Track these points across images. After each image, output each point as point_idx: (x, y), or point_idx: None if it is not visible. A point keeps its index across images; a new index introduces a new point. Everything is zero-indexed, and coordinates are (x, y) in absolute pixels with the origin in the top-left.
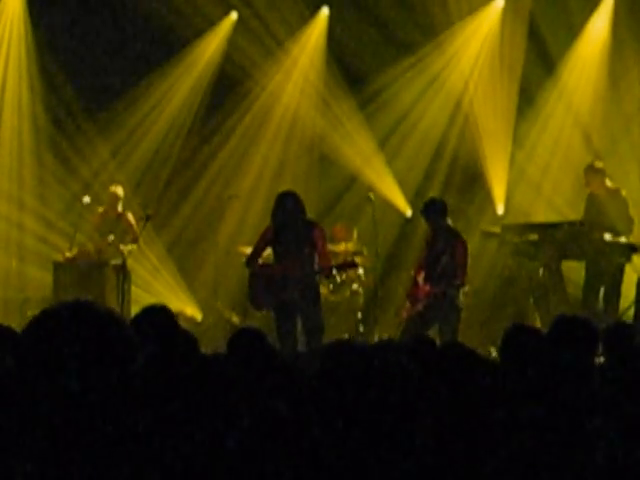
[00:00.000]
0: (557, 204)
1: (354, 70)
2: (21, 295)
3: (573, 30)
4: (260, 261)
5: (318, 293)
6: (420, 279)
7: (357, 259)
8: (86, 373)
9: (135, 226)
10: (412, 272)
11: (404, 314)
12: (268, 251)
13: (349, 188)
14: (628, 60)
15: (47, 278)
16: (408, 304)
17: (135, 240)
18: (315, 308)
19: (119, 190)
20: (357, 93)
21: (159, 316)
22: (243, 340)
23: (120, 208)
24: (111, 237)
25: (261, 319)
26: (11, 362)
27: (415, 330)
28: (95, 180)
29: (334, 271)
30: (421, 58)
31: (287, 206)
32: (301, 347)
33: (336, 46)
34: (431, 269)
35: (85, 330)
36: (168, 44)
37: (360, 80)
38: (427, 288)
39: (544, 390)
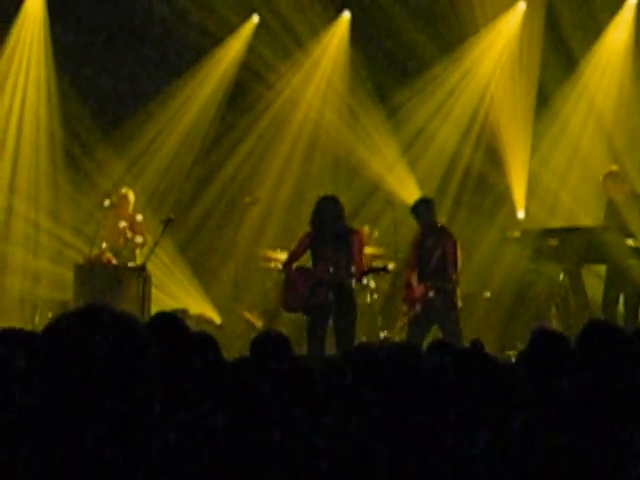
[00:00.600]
0: (576, 209)
1: (374, 83)
2: (44, 296)
3: (594, 34)
4: (295, 265)
5: (353, 297)
6: (413, 280)
7: (389, 264)
8: (101, 375)
9: (145, 227)
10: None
11: (404, 318)
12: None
13: (372, 193)
14: None
15: (69, 280)
16: (405, 307)
17: (146, 242)
18: (349, 312)
19: (130, 193)
20: (378, 106)
21: (167, 323)
22: (266, 344)
23: (131, 210)
24: (121, 240)
25: (285, 323)
26: (22, 363)
27: (418, 332)
28: (114, 190)
29: (365, 275)
30: (439, 71)
31: (326, 211)
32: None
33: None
34: (423, 268)
35: (100, 334)
36: (190, 51)
37: (380, 95)
38: (421, 288)
39: (573, 396)
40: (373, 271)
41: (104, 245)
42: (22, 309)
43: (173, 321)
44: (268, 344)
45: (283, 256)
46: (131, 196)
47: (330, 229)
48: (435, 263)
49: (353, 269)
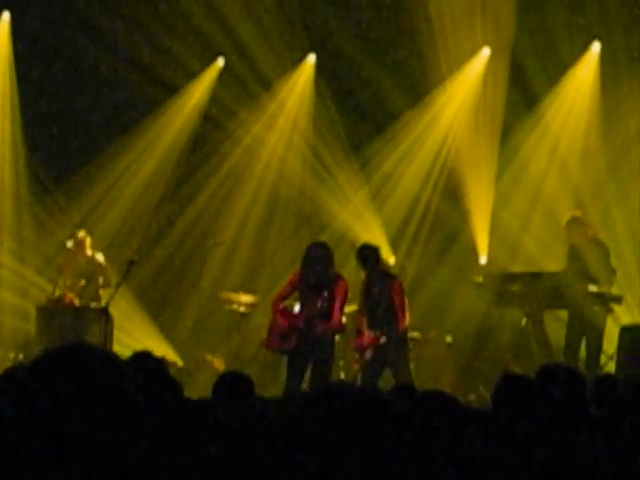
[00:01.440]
0: (538, 253)
1: (341, 131)
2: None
3: (558, 77)
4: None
5: (327, 349)
6: (363, 327)
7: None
8: (90, 416)
9: (106, 268)
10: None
11: (355, 366)
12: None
13: (339, 239)
14: (616, 106)
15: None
16: (357, 355)
17: (108, 283)
18: (324, 363)
19: (82, 233)
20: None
21: (149, 362)
22: (229, 384)
23: (89, 251)
24: (82, 281)
25: (248, 364)
26: (11, 411)
27: (371, 378)
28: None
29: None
30: (406, 121)
31: (314, 256)
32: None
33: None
34: (371, 315)
35: (89, 372)
36: (152, 93)
37: (346, 142)
38: (371, 336)
39: (537, 439)
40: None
41: (67, 283)
42: None
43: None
44: (231, 385)
45: (245, 298)
46: (87, 239)
47: (315, 275)
48: (383, 310)
49: (334, 319)
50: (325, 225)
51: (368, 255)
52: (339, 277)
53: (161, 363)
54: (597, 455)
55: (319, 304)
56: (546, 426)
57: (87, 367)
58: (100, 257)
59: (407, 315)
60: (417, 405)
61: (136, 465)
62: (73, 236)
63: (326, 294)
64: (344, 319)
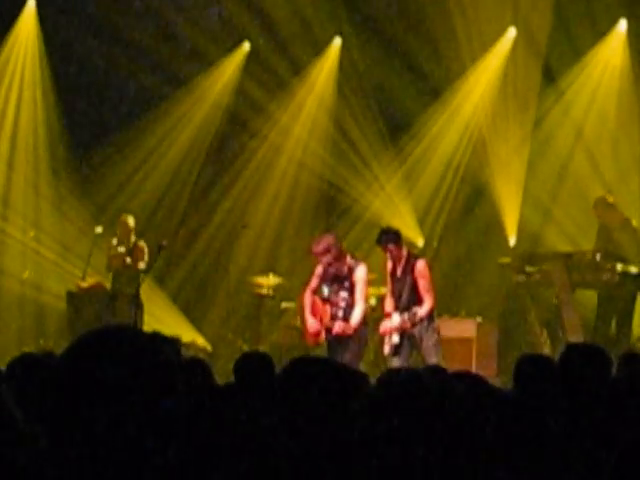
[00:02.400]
0: (568, 232)
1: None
2: (36, 324)
3: (582, 57)
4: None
5: (351, 342)
6: (390, 311)
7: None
8: (133, 399)
9: (147, 256)
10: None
11: (385, 348)
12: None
13: (359, 220)
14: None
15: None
16: (386, 338)
17: (147, 270)
18: (346, 353)
19: (130, 220)
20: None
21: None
22: (249, 365)
23: (133, 238)
24: (127, 261)
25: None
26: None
27: (400, 362)
28: (107, 208)
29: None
30: (432, 107)
31: (315, 252)
32: None
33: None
34: (397, 298)
35: (132, 353)
36: (179, 74)
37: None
38: (395, 320)
39: (558, 421)
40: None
41: (113, 263)
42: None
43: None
44: (251, 364)
45: (273, 281)
46: (131, 222)
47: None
48: (407, 292)
49: (353, 316)
50: (353, 209)
51: (388, 239)
52: (353, 265)
53: (176, 345)
54: (619, 434)
55: (341, 297)
56: (567, 406)
57: (132, 348)
58: (141, 242)
59: (430, 297)
60: (448, 386)
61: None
62: (120, 221)
63: (347, 284)
64: (372, 302)
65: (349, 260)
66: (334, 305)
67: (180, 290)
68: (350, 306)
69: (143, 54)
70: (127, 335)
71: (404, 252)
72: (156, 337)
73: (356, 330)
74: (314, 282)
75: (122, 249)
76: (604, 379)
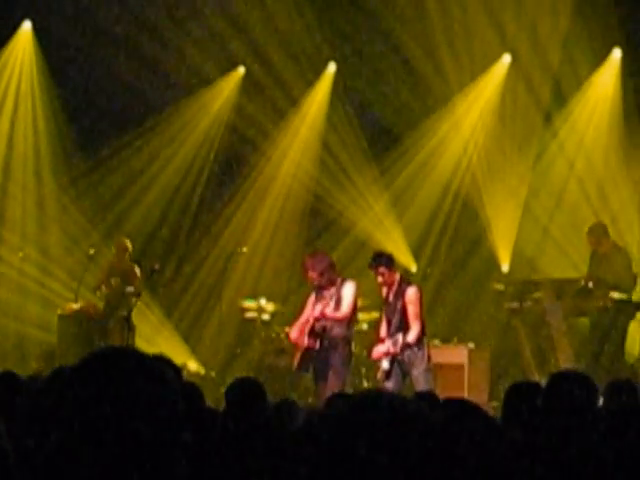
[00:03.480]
0: (559, 262)
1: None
2: (25, 347)
3: (575, 87)
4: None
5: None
6: (383, 334)
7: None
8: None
9: (140, 280)
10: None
11: (378, 374)
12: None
13: (355, 246)
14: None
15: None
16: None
17: (139, 295)
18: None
19: (127, 243)
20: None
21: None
22: (239, 390)
23: (127, 262)
24: (118, 282)
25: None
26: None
27: (392, 388)
28: (93, 230)
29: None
30: (428, 126)
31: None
32: None
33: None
34: (388, 324)
35: (135, 377)
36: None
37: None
38: (384, 346)
39: (544, 449)
40: None
41: (102, 289)
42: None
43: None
44: (242, 392)
45: (265, 306)
46: (128, 245)
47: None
48: (398, 318)
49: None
50: (348, 232)
51: (380, 262)
52: (341, 282)
53: (178, 370)
54: (608, 462)
55: (322, 308)
56: (554, 434)
57: (135, 371)
58: (135, 267)
59: (417, 324)
60: (439, 412)
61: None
62: (117, 242)
63: (331, 300)
64: (364, 327)
65: (339, 280)
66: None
67: (173, 312)
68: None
69: (144, 66)
70: (134, 357)
71: (396, 277)
72: (160, 360)
73: (339, 349)
74: (306, 314)
75: (115, 273)
76: (590, 407)
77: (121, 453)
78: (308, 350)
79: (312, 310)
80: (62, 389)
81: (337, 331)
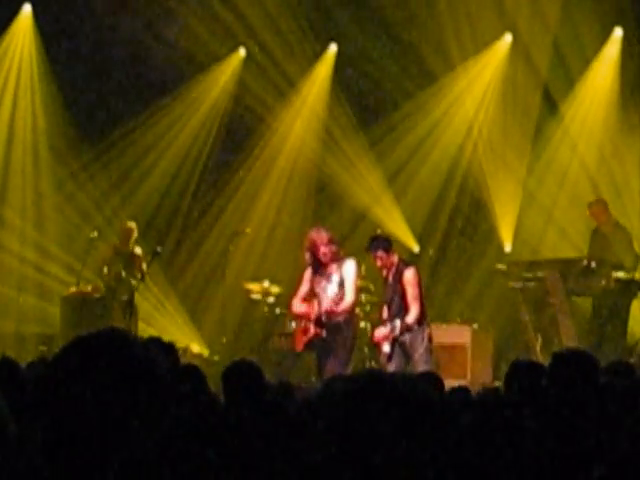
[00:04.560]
0: (564, 239)
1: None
2: (30, 330)
3: (579, 71)
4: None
5: (336, 337)
6: (385, 316)
7: None
8: (121, 403)
9: (144, 264)
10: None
11: (380, 357)
12: None
13: (358, 225)
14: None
15: (54, 313)
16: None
17: (142, 278)
18: (333, 359)
19: (133, 226)
20: (366, 132)
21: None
22: (236, 373)
23: (132, 244)
24: (123, 273)
25: (273, 353)
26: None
27: (396, 369)
28: (97, 212)
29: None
30: (427, 101)
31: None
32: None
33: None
34: (388, 306)
35: (122, 358)
36: (174, 78)
37: (368, 120)
38: (385, 329)
39: (545, 426)
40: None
41: (105, 273)
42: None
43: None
44: (239, 375)
45: (269, 288)
46: (134, 228)
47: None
48: (397, 300)
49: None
50: (350, 214)
51: (377, 246)
52: (343, 259)
53: (174, 351)
54: (607, 441)
55: (329, 291)
56: (555, 413)
57: (123, 353)
58: (139, 250)
59: (416, 305)
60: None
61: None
62: (122, 226)
63: (335, 279)
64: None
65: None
66: (322, 300)
67: (177, 294)
68: (339, 300)
69: (140, 55)
70: (117, 339)
71: (394, 259)
72: (149, 342)
73: (341, 333)
74: (304, 289)
75: (118, 257)
76: (592, 385)
77: (103, 438)
78: (315, 337)
79: (311, 288)
80: (45, 374)
81: (339, 316)
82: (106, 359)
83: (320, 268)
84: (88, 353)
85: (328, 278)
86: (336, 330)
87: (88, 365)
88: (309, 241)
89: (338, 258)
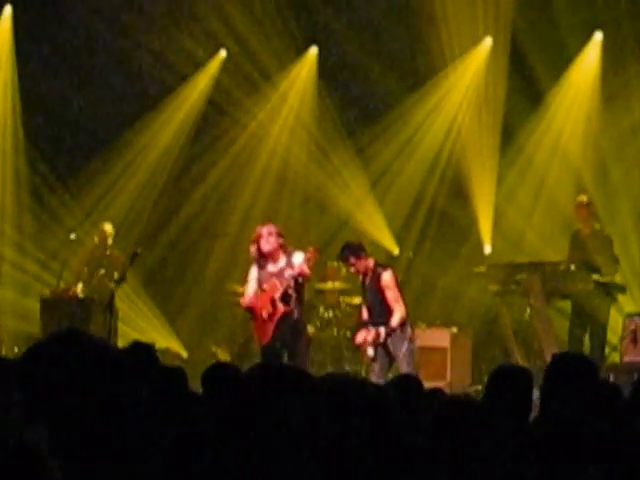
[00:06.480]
0: (542, 245)
1: (342, 121)
2: (9, 329)
3: (560, 68)
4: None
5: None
6: (366, 318)
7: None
8: (80, 403)
9: (122, 265)
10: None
11: (365, 358)
12: None
13: (341, 228)
14: (621, 91)
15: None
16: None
17: (122, 279)
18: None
19: (109, 227)
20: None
21: (141, 352)
22: (215, 374)
23: (109, 246)
24: (102, 271)
25: (255, 356)
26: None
27: (378, 373)
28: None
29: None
30: (406, 108)
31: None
32: None
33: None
34: (368, 310)
35: (79, 358)
36: (155, 85)
37: (348, 132)
38: (366, 333)
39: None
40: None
41: (83, 275)
42: None
43: (148, 350)
44: (217, 376)
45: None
46: (110, 229)
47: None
48: (377, 304)
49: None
50: (327, 213)
51: (347, 253)
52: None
53: (153, 353)
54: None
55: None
56: (554, 417)
57: (80, 355)
58: (117, 251)
59: (399, 306)
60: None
61: (133, 452)
62: (99, 229)
63: (287, 274)
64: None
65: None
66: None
67: (156, 294)
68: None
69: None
70: (76, 341)
71: (369, 263)
72: (107, 345)
73: (301, 332)
74: (253, 286)
75: (97, 261)
76: (592, 388)
77: (69, 437)
78: (284, 316)
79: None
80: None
81: (297, 313)
82: (63, 361)
83: (266, 263)
84: (45, 356)
85: (281, 271)
86: (299, 330)
87: (44, 369)
88: (255, 234)
89: (285, 250)
